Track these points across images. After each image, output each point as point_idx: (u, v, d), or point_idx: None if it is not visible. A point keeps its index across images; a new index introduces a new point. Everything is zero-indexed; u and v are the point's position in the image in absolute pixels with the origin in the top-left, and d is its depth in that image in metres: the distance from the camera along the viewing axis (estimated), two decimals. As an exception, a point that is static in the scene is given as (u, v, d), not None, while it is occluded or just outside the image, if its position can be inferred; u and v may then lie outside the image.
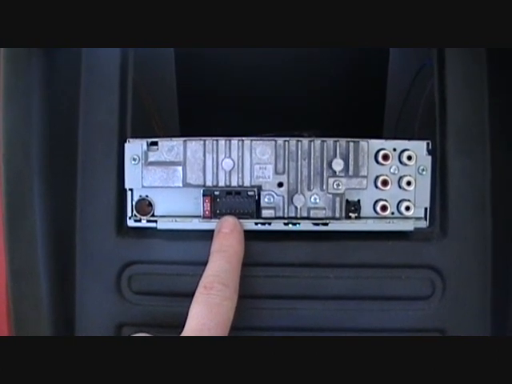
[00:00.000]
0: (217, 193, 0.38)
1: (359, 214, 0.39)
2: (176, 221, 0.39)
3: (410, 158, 0.38)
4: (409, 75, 0.47)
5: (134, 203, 0.39)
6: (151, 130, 0.47)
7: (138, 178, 0.38)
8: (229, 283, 0.35)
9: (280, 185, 0.38)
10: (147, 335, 0.35)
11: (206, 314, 0.33)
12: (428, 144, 0.39)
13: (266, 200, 0.38)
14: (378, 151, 0.38)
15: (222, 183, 0.38)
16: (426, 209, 0.39)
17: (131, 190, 0.39)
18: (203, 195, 0.38)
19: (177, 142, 0.38)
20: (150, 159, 0.38)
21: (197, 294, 0.34)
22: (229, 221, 0.38)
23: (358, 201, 0.39)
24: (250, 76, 0.56)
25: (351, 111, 0.57)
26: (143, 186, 0.38)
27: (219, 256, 0.36)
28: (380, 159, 0.38)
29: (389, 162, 0.38)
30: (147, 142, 0.38)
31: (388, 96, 0.51)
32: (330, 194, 0.38)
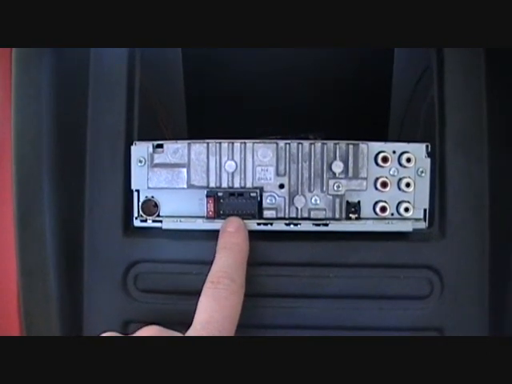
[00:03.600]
0: (220, 194, 0.39)
1: (359, 214, 0.39)
2: (181, 221, 0.40)
3: (409, 160, 0.39)
4: (413, 78, 0.47)
5: (140, 204, 0.40)
6: (158, 131, 0.48)
7: (144, 180, 0.40)
8: (235, 278, 0.36)
9: (281, 186, 0.39)
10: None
11: (214, 307, 0.34)
12: (427, 147, 0.39)
13: (268, 201, 0.39)
14: (378, 153, 0.39)
15: (225, 184, 0.39)
16: (425, 210, 0.40)
17: (137, 191, 0.40)
18: (207, 196, 0.39)
19: (181, 145, 0.39)
20: (156, 161, 0.39)
21: (204, 289, 0.35)
22: (234, 220, 0.39)
23: (358, 202, 0.39)
24: (256, 78, 0.56)
25: (356, 114, 0.57)
26: (149, 187, 0.40)
27: (225, 253, 0.37)
28: (380, 161, 0.39)
29: (388, 164, 0.39)
30: (153, 145, 0.39)
31: (393, 99, 0.52)
32: (330, 195, 0.39)
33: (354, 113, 0.57)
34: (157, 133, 0.48)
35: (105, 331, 0.35)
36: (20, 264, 0.40)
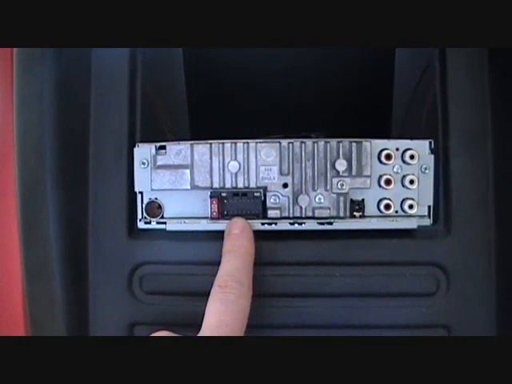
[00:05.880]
0: (224, 194, 0.39)
1: (363, 212, 0.39)
2: (185, 222, 0.40)
3: (412, 157, 0.39)
4: (414, 76, 0.47)
5: (143, 206, 0.40)
6: (161, 132, 0.48)
7: (147, 181, 0.39)
8: (243, 281, 0.36)
9: (285, 185, 0.39)
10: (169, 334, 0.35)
11: (223, 311, 0.34)
12: (430, 143, 0.39)
13: (272, 200, 0.39)
14: (381, 151, 0.39)
15: (228, 185, 0.39)
16: (429, 207, 0.40)
17: (141, 192, 0.40)
18: (211, 197, 0.39)
19: (184, 146, 0.39)
20: (159, 163, 0.39)
21: (212, 293, 0.35)
22: (238, 222, 0.39)
23: (362, 200, 0.39)
24: (257, 78, 0.56)
25: (359, 111, 0.57)
26: (152, 189, 0.39)
27: (232, 256, 0.37)
28: (383, 159, 0.39)
29: (392, 161, 0.39)
30: (156, 146, 0.39)
31: (395, 96, 0.51)
32: (334, 193, 0.39)
33: (356, 111, 0.57)
34: (159, 134, 0.47)
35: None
36: (25, 267, 0.39)
